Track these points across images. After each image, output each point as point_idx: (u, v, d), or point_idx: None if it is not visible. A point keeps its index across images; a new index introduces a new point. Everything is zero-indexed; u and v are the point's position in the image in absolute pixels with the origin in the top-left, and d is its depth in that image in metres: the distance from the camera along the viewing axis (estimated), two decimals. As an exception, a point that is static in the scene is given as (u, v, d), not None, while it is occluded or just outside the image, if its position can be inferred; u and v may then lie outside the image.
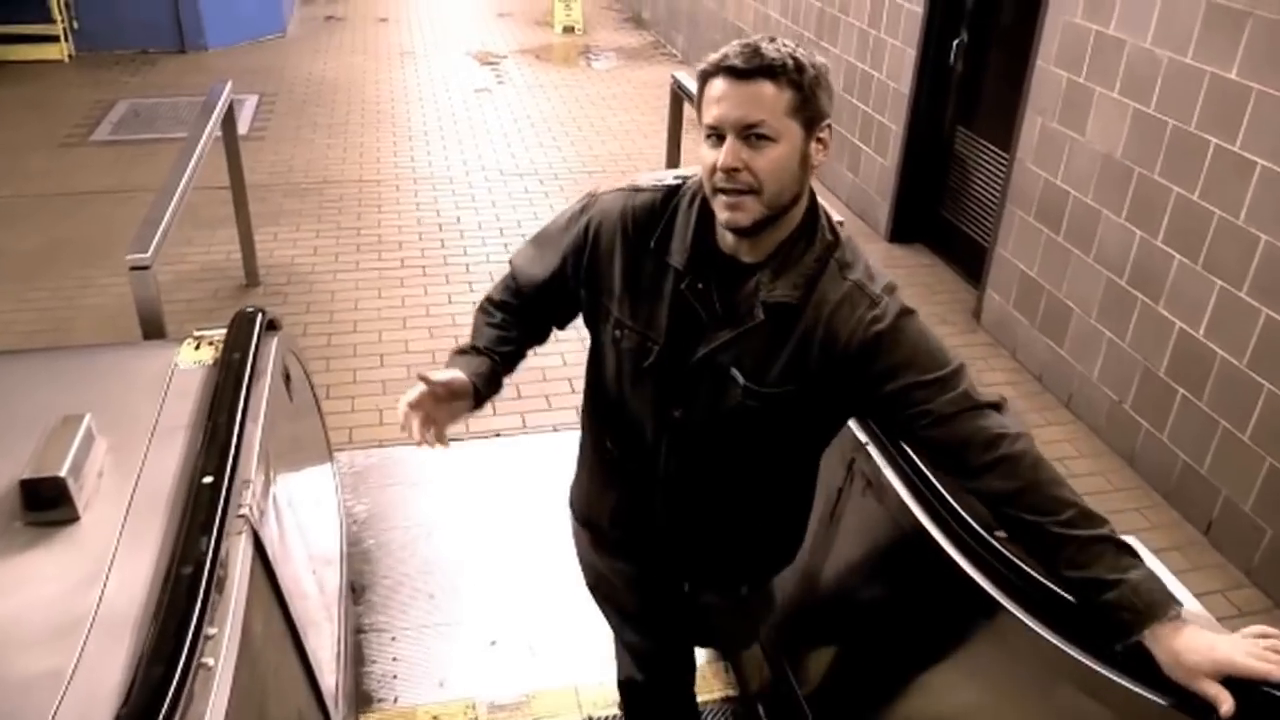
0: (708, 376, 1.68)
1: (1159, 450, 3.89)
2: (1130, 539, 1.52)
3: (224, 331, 2.44)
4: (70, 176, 6.58)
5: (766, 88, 1.49)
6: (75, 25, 9.27)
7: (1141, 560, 1.50)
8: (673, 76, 4.76)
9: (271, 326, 2.59)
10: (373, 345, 4.67)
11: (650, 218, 1.70)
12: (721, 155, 1.51)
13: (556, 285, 1.84)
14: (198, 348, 2.45)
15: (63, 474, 1.81)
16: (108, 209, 6.03)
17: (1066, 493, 1.56)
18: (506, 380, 1.91)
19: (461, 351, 1.89)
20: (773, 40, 1.53)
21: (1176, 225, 3.76)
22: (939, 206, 5.74)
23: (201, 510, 1.79)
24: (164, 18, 9.42)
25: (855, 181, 6.28)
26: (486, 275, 5.32)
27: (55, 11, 9.07)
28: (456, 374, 1.80)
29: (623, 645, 2.34)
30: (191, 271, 5.33)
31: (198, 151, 3.90)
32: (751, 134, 1.50)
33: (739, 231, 1.57)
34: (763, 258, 1.62)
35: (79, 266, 5.29)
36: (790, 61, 1.50)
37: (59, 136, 7.28)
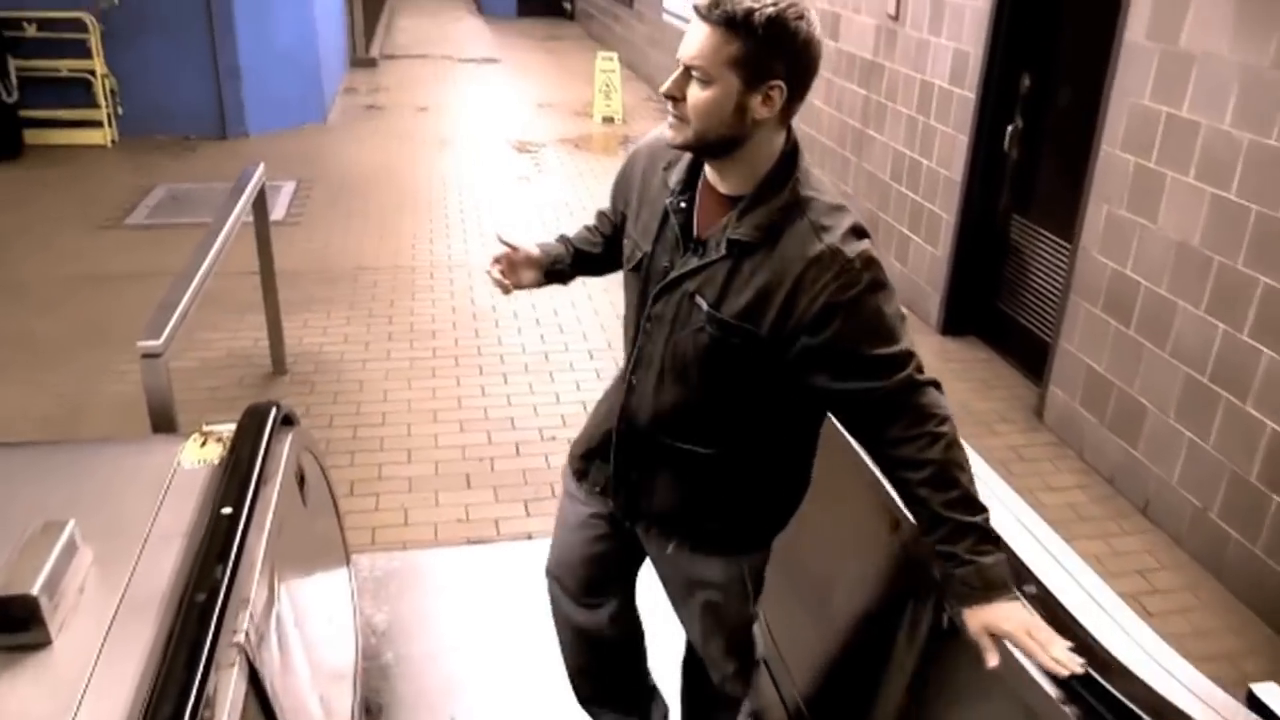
0: (676, 299, 1.85)
1: (1251, 563, 3.56)
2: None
3: (234, 427, 2.23)
4: (103, 259, 6.50)
5: (716, 35, 1.63)
6: (120, 111, 9.36)
7: (998, 548, 1.72)
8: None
9: (287, 421, 2.37)
10: (400, 439, 4.45)
11: (670, 149, 1.85)
12: (666, 82, 1.72)
13: (617, 216, 2.15)
14: (204, 444, 2.23)
15: (34, 592, 1.57)
16: (137, 293, 5.89)
17: (964, 478, 1.73)
18: (574, 282, 2.37)
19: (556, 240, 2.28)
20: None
21: (1265, 317, 3.48)
22: (994, 298, 5.50)
23: (189, 636, 1.54)
24: (206, 104, 9.49)
25: (904, 271, 6.06)
26: (521, 366, 5.11)
27: (100, 97, 9.15)
28: (531, 247, 2.24)
29: (571, 633, 2.38)
30: (217, 358, 5.17)
31: (223, 234, 3.75)
32: (691, 72, 1.67)
33: (675, 146, 1.78)
34: (734, 193, 1.79)
35: (101, 351, 5.14)
36: (744, 17, 1.60)
37: (96, 220, 7.24)
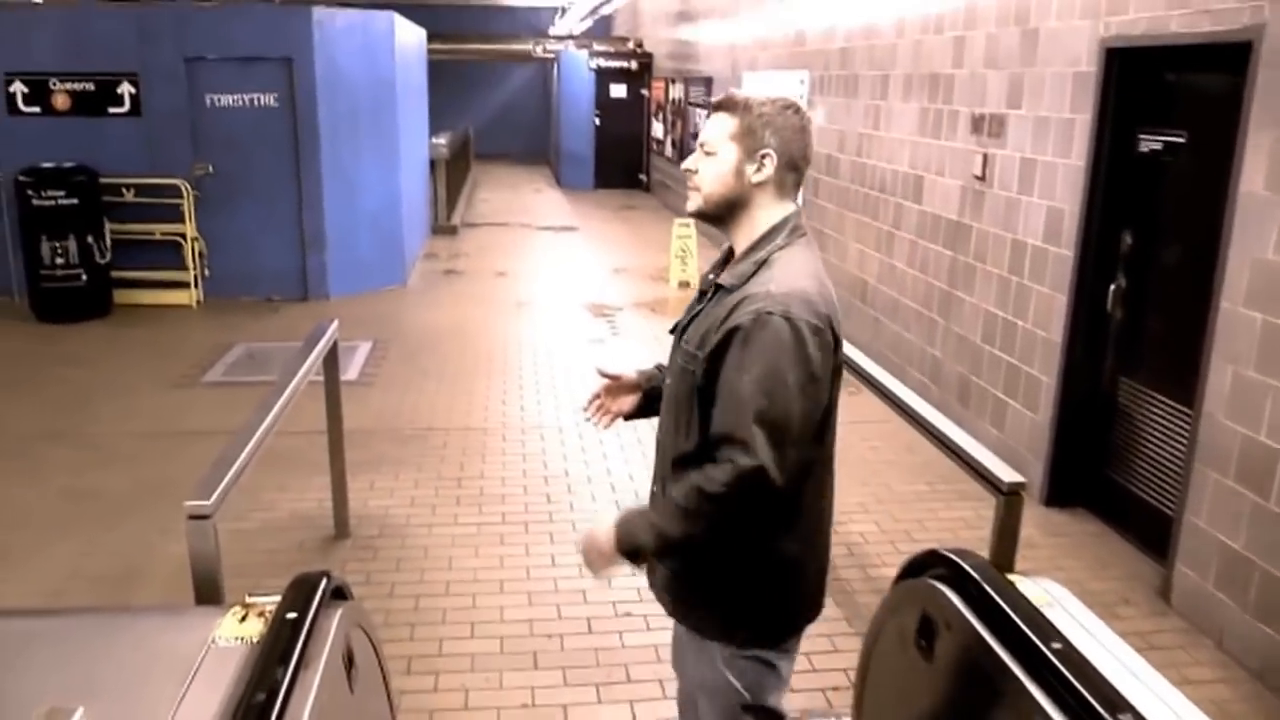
0: (678, 345, 2.24)
1: None
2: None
3: (277, 600, 1.98)
4: (176, 417, 6.44)
5: (721, 118, 2.14)
6: (207, 273, 9.56)
7: (656, 528, 2.05)
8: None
9: (338, 594, 2.12)
10: (465, 611, 4.14)
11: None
12: (688, 160, 2.19)
13: None
14: (244, 619, 1.97)
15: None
16: (207, 452, 5.78)
17: (691, 498, 2.00)
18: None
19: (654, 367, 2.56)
20: (757, 94, 2.14)
21: None
22: (1103, 466, 5.10)
23: None
24: (290, 267, 9.67)
25: (1000, 438, 5.70)
26: (595, 532, 4.82)
27: (189, 260, 9.37)
28: (626, 370, 2.56)
29: None
30: (279, 520, 4.97)
31: (287, 392, 3.59)
32: (703, 148, 2.15)
33: (690, 212, 2.21)
34: (737, 259, 2.17)
35: (164, 511, 4.97)
36: (743, 102, 2.12)
37: (172, 377, 7.25)
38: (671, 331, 2.33)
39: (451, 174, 15.14)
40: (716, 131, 2.14)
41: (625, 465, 5.73)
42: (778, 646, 2.25)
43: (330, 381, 4.70)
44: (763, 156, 2.11)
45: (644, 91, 19.49)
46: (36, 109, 9.24)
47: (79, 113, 9.24)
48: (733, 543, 2.12)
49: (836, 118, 8.63)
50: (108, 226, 9.03)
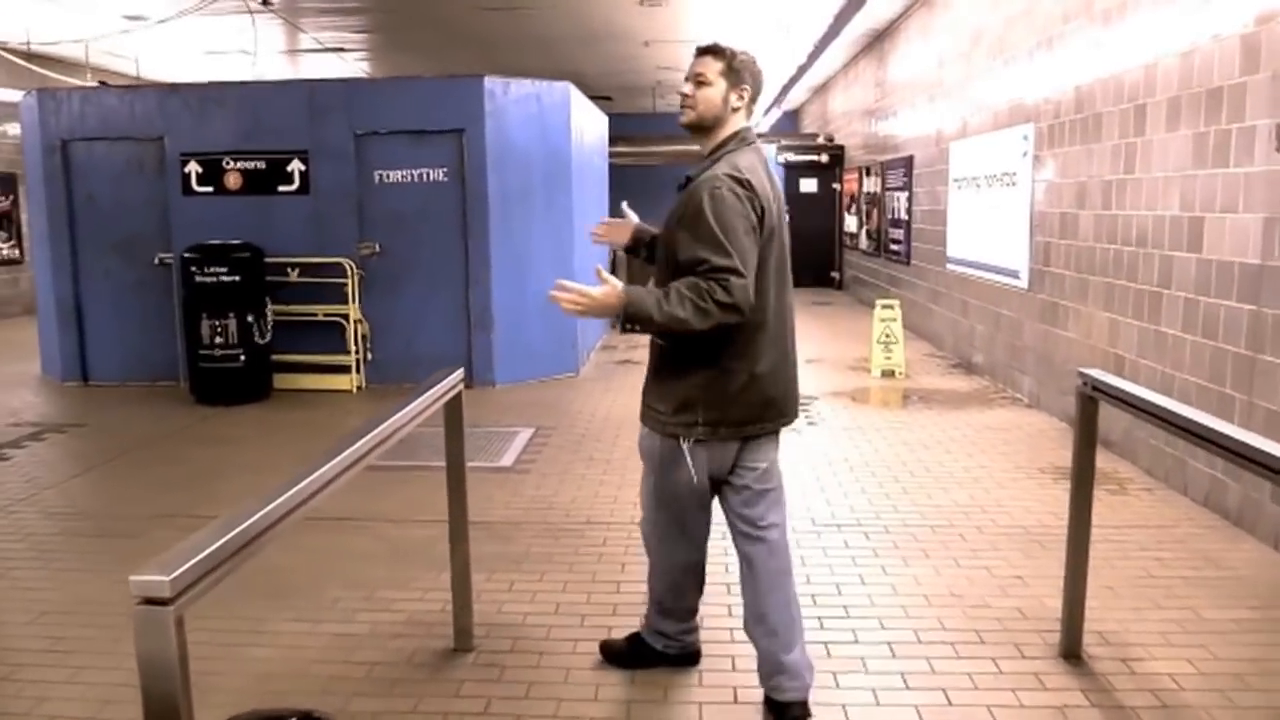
0: (662, 233, 3.13)
1: None
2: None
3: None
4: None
5: (710, 59, 3.08)
6: (369, 356, 8.98)
7: (652, 309, 2.85)
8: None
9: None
10: (610, 762, 2.98)
11: None
12: (684, 88, 3.10)
13: None
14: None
15: None
16: (329, 538, 4.93)
17: (686, 293, 2.83)
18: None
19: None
20: (734, 46, 3.13)
21: None
22: None
23: None
24: (456, 352, 8.96)
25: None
26: (791, 658, 3.57)
27: (352, 342, 8.81)
28: (632, 217, 3.60)
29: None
30: (394, 623, 3.97)
31: (355, 448, 2.60)
32: (699, 79, 3.07)
33: (683, 124, 3.14)
34: (705, 158, 3.10)
35: (261, 601, 4.07)
36: (727, 51, 3.08)
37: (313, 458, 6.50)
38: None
39: (635, 270, 14.42)
40: (709, 69, 3.05)
41: (830, 574, 4.49)
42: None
43: (453, 452, 3.74)
44: (742, 90, 3.07)
45: (835, 185, 18.48)
46: (209, 189, 9.01)
47: (249, 192, 8.96)
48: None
49: (1072, 169, 7.30)
50: (270, 306, 8.59)
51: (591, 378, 9.56)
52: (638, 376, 9.56)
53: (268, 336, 8.52)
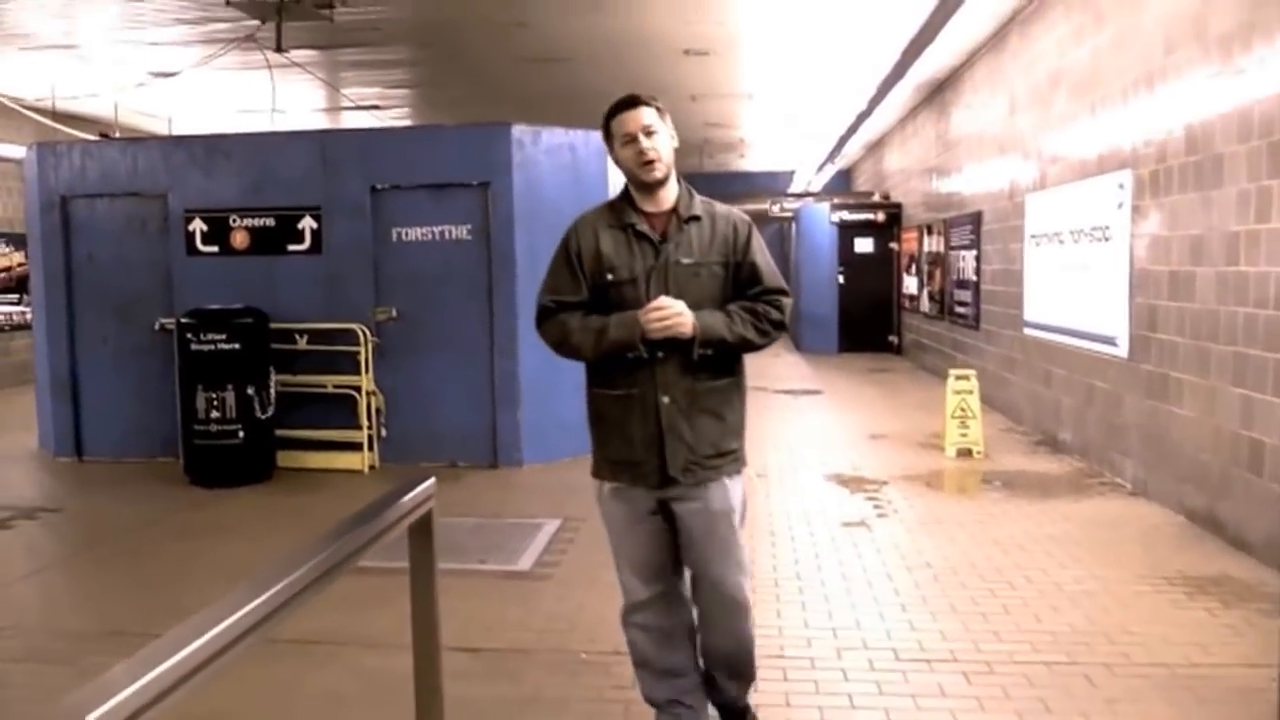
0: (669, 269, 3.08)
1: None
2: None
3: None
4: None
5: (646, 109, 3.07)
6: (383, 433, 8.11)
7: (723, 331, 3.05)
8: None
9: None
10: None
11: (614, 213, 3.20)
12: (643, 144, 3.05)
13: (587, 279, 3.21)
14: None
15: None
16: (287, 669, 3.99)
17: (745, 315, 3.13)
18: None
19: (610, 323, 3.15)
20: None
21: None
22: None
23: None
24: (478, 429, 8.09)
25: None
26: None
27: (363, 417, 7.95)
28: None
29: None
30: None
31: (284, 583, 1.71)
32: (648, 130, 3.05)
33: (659, 179, 3.09)
34: (670, 203, 3.13)
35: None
36: (652, 99, 3.11)
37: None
38: (629, 282, 3.12)
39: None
40: (651, 119, 3.07)
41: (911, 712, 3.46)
42: None
43: (420, 573, 2.82)
44: (673, 132, 3.16)
45: (893, 245, 17.52)
46: (215, 248, 8.29)
47: (257, 251, 8.22)
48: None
49: (1184, 221, 6.29)
50: (274, 378, 7.78)
51: (630, 455, 8.61)
52: (681, 454, 8.62)
53: (269, 410, 7.69)
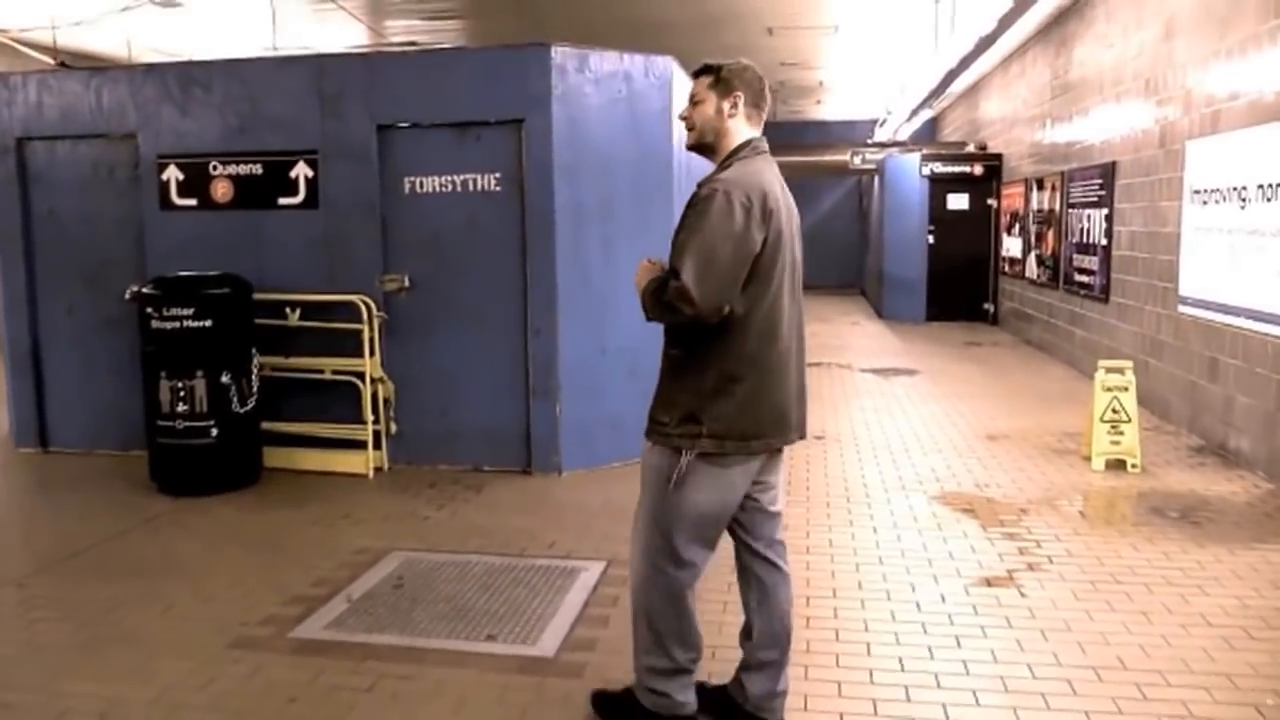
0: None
1: None
2: None
3: None
4: (209, 707, 3.27)
5: (700, 78, 3.12)
6: (392, 428, 6.65)
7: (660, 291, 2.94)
8: None
9: None
10: None
11: None
12: (683, 110, 3.16)
13: None
14: None
15: None
16: None
17: (660, 288, 2.96)
18: None
19: None
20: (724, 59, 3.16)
21: None
22: None
23: None
24: (508, 424, 6.57)
25: None
26: None
27: (368, 409, 6.49)
28: None
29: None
30: None
31: None
32: (693, 99, 3.11)
33: (688, 147, 3.19)
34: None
35: None
36: (713, 65, 3.10)
37: (256, 615, 4.20)
38: None
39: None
40: (699, 87, 3.11)
41: None
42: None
43: None
44: (734, 97, 3.07)
45: (991, 201, 15.59)
46: (192, 201, 6.84)
47: (242, 205, 6.75)
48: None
49: None
50: (257, 361, 6.34)
51: (694, 458, 7.04)
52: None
53: (250, 403, 6.25)
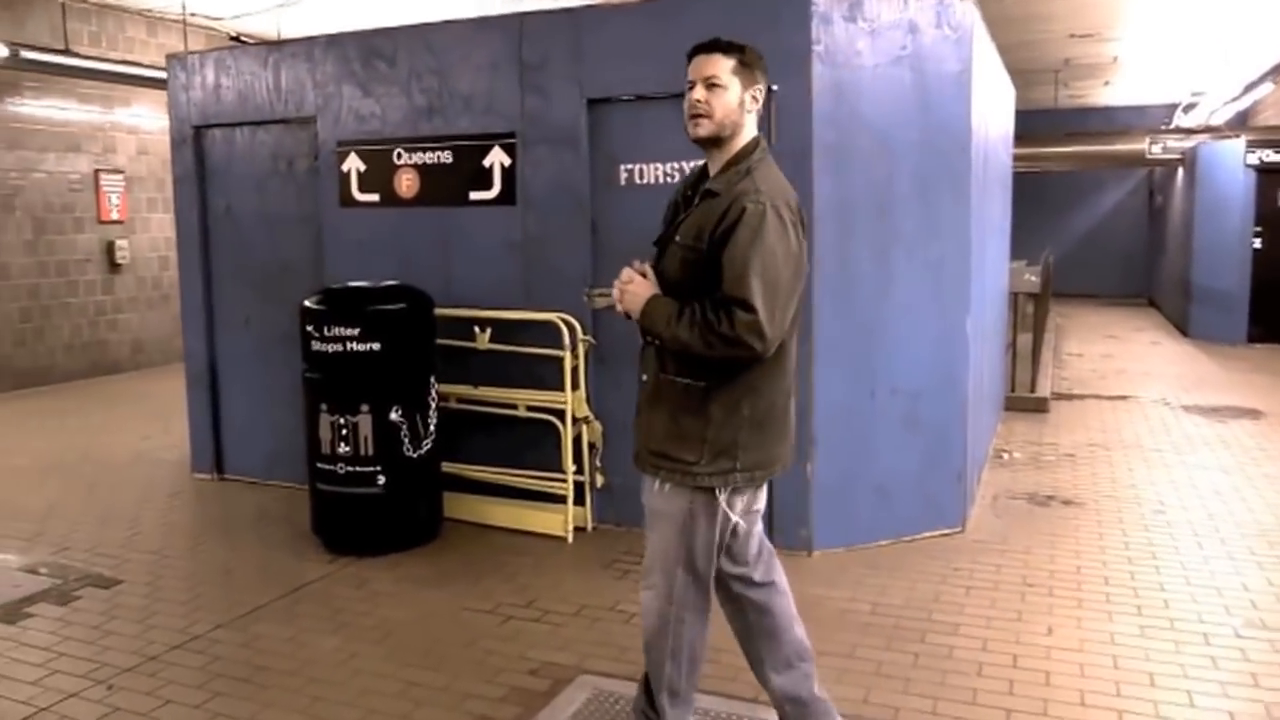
0: (673, 244, 2.77)
1: None
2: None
3: None
4: None
5: (718, 57, 2.72)
6: (599, 479, 5.31)
7: (667, 325, 2.65)
8: None
9: None
10: None
11: (702, 169, 2.88)
12: (696, 94, 2.70)
13: None
14: None
15: None
16: None
17: (698, 316, 2.62)
18: None
19: None
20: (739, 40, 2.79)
21: None
22: None
23: None
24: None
25: None
26: None
27: (568, 455, 5.17)
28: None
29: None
30: None
31: None
32: (710, 82, 2.70)
33: (698, 141, 2.75)
34: (715, 170, 2.76)
35: None
36: (737, 46, 2.74)
37: None
38: (655, 244, 2.85)
39: (1036, 317, 9.93)
40: (720, 68, 2.70)
41: None
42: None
43: None
44: (756, 91, 2.75)
45: (1340, 198, 12.70)
46: (374, 196, 5.74)
47: (427, 201, 5.59)
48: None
49: None
50: (435, 392, 5.15)
51: (992, 540, 5.25)
52: (1075, 540, 4.91)
53: (426, 445, 5.05)
